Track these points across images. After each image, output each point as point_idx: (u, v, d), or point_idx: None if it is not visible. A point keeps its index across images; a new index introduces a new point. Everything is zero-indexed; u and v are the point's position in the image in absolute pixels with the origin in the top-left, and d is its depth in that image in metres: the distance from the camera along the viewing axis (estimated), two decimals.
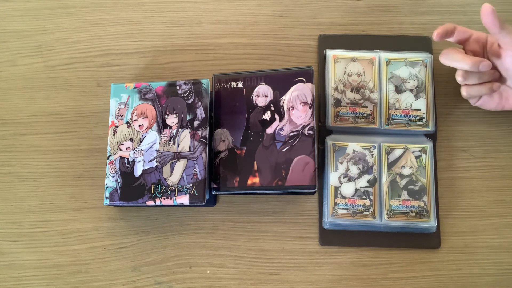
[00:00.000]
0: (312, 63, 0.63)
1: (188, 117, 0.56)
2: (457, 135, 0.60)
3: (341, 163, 0.57)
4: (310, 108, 0.55)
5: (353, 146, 0.57)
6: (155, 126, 0.56)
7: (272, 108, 0.56)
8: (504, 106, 0.55)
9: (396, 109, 0.58)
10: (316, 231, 0.58)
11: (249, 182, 0.54)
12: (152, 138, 0.56)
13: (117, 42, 0.64)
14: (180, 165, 0.55)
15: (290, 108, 0.55)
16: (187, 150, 0.55)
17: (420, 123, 0.58)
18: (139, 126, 0.57)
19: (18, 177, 0.61)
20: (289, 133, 0.55)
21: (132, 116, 0.57)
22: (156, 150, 0.55)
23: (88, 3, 0.65)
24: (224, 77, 0.58)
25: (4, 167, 0.61)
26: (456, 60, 0.52)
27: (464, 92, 0.55)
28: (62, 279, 0.58)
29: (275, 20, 0.64)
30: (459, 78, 0.53)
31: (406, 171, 0.57)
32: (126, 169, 0.56)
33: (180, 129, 0.56)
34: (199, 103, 0.56)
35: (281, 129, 0.55)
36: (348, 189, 0.57)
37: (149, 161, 0.55)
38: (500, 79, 0.54)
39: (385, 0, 0.64)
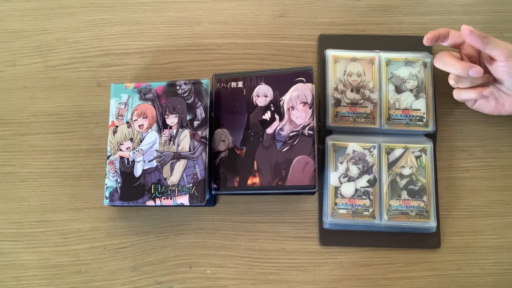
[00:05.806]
0: (312, 63, 0.63)
1: (188, 117, 0.56)
2: (457, 135, 0.60)
3: (341, 163, 0.57)
4: (310, 108, 0.55)
5: (353, 146, 0.57)
6: (155, 126, 0.56)
7: (272, 108, 0.56)
8: (500, 111, 0.55)
9: (396, 109, 0.58)
10: (316, 231, 0.58)
11: (249, 182, 0.54)
12: (152, 138, 0.56)
13: (117, 42, 0.64)
14: (180, 165, 0.55)
15: (290, 108, 0.55)
16: (187, 150, 0.55)
17: (420, 123, 0.58)
18: (139, 126, 0.57)
19: (18, 177, 0.61)
20: (289, 133, 0.55)
21: (132, 116, 0.57)
22: (156, 150, 0.55)
23: (88, 3, 0.65)
24: (224, 77, 0.58)
25: (4, 167, 0.61)
26: (447, 64, 0.52)
27: (455, 95, 0.56)
28: (62, 279, 0.58)
29: (275, 20, 0.64)
30: (451, 81, 0.54)
31: (406, 171, 0.57)
32: (126, 169, 0.56)
33: (180, 129, 0.56)
34: (199, 103, 0.56)
35: (281, 129, 0.55)
36: (348, 189, 0.57)
37: (149, 161, 0.55)
38: (495, 82, 0.55)
39: (385, 0, 0.64)
